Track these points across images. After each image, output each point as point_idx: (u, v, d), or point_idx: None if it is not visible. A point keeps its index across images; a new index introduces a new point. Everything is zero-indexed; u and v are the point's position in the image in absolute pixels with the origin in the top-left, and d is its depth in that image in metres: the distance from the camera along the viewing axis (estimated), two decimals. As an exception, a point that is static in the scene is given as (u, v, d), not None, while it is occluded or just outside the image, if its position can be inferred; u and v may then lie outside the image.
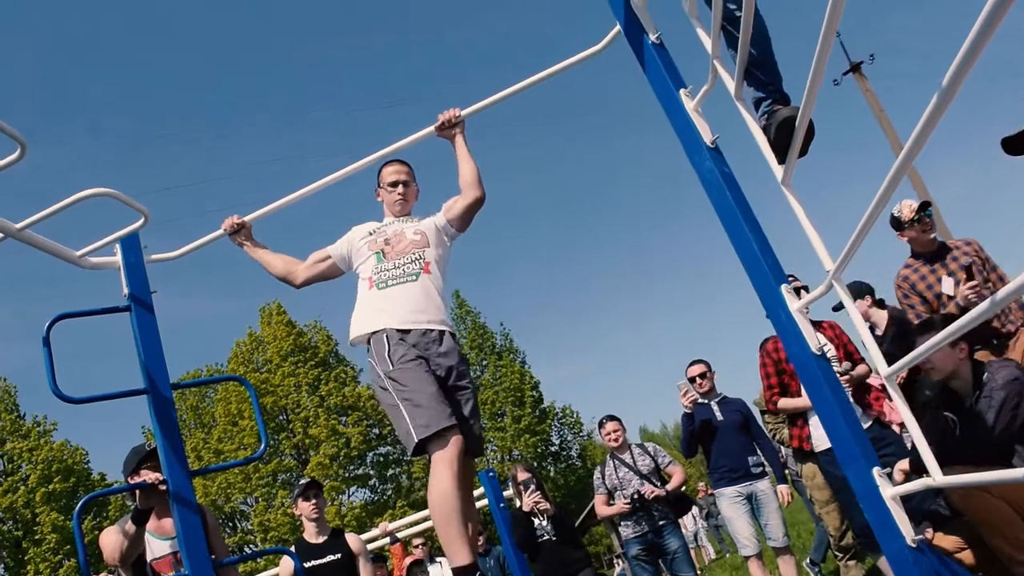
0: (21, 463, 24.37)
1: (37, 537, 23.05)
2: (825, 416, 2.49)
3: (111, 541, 3.38)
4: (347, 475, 25.91)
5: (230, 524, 27.46)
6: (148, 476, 3.15)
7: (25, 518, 23.57)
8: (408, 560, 7.18)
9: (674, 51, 2.85)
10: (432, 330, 3.16)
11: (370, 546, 7.17)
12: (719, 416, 5.72)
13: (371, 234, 3.41)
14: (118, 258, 3.26)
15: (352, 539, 4.79)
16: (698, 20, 2.59)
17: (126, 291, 3.20)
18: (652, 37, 2.88)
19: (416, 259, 3.27)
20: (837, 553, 5.45)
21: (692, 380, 5.84)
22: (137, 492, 3.11)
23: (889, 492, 2.35)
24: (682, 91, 2.79)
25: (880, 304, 5.39)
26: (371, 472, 27.49)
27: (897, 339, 5.04)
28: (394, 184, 3.50)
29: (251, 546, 25.41)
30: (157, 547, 3.53)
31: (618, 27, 3.02)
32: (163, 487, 2.96)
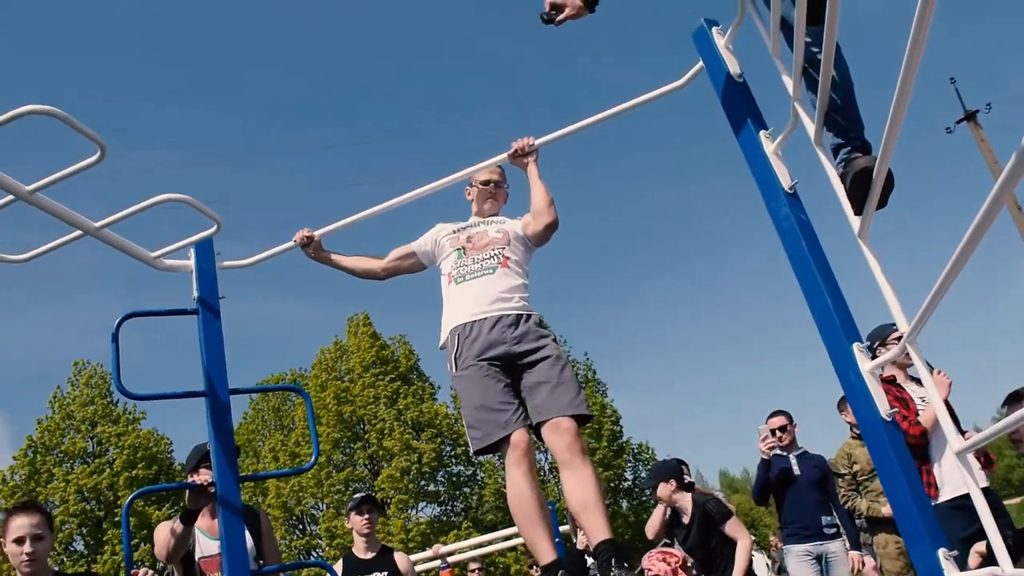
0: (109, 447, 25.43)
1: (117, 519, 23.96)
2: (890, 486, 2.33)
3: (161, 536, 3.45)
4: (417, 490, 26.04)
5: (299, 527, 27.95)
6: (199, 477, 3.20)
7: (107, 500, 24.55)
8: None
9: (755, 92, 2.76)
10: (508, 314, 3.19)
11: (421, 567, 7.15)
12: (796, 470, 5.54)
13: (455, 232, 3.50)
14: (191, 262, 3.33)
15: (400, 558, 4.77)
16: (781, 61, 2.49)
17: (196, 294, 3.27)
18: (735, 75, 2.79)
19: (495, 254, 3.34)
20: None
21: (772, 432, 5.67)
22: (187, 492, 3.16)
23: (955, 576, 2.18)
24: (762, 133, 2.69)
25: (688, 487, 5.30)
26: (441, 489, 27.57)
27: (701, 527, 5.07)
28: (486, 183, 3.58)
29: (317, 551, 25.77)
30: (207, 546, 3.59)
31: (700, 64, 2.95)
32: (212, 490, 3.00)
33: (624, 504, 30.97)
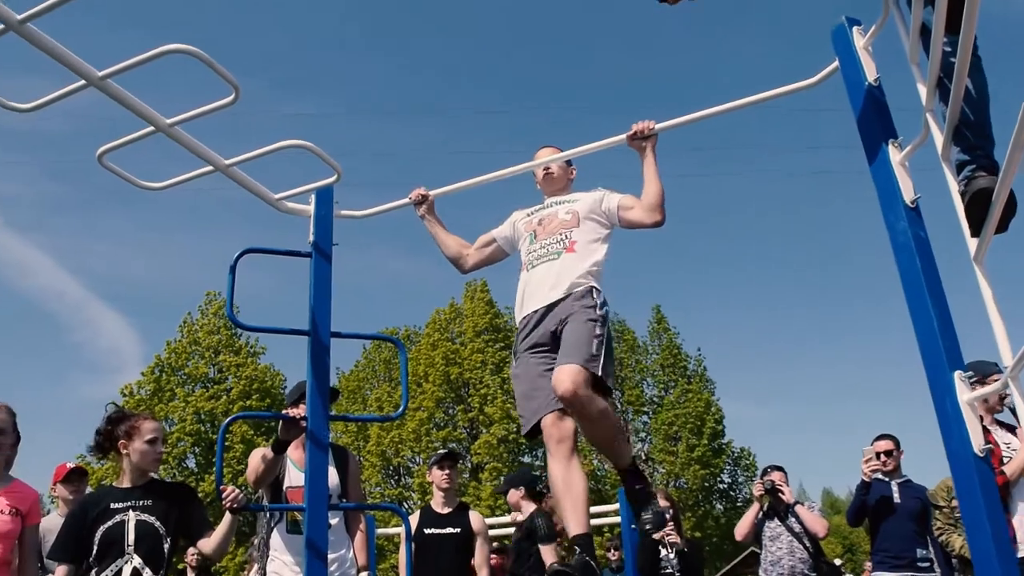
0: (228, 375, 26.95)
1: (227, 444, 25.42)
2: (972, 527, 2.22)
3: (253, 461, 3.67)
4: (512, 460, 26.39)
5: (395, 477, 28.85)
6: (294, 411, 3.37)
7: (221, 425, 26.06)
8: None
9: (890, 98, 2.64)
10: (560, 299, 3.24)
11: (497, 532, 7.27)
12: (897, 498, 5.34)
13: (528, 216, 3.56)
14: (310, 207, 3.49)
15: (475, 517, 4.88)
16: (917, 68, 2.37)
17: (312, 239, 3.42)
18: (871, 79, 2.67)
19: (562, 239, 3.34)
20: None
21: (877, 456, 5.48)
22: (280, 422, 3.34)
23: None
24: (891, 142, 2.57)
25: (536, 497, 5.29)
26: (536, 463, 27.85)
27: (524, 538, 5.03)
28: (543, 170, 3.59)
29: (408, 502, 26.57)
30: (295, 476, 3.79)
31: (836, 63, 2.84)
32: (304, 424, 3.16)
33: (718, 506, 30.44)
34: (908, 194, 2.49)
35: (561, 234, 3.36)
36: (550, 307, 3.24)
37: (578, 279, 3.25)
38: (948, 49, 2.02)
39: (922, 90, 2.32)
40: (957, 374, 2.29)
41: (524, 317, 3.33)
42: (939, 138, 2.23)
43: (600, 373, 3.00)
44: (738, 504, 30.75)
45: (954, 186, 2.17)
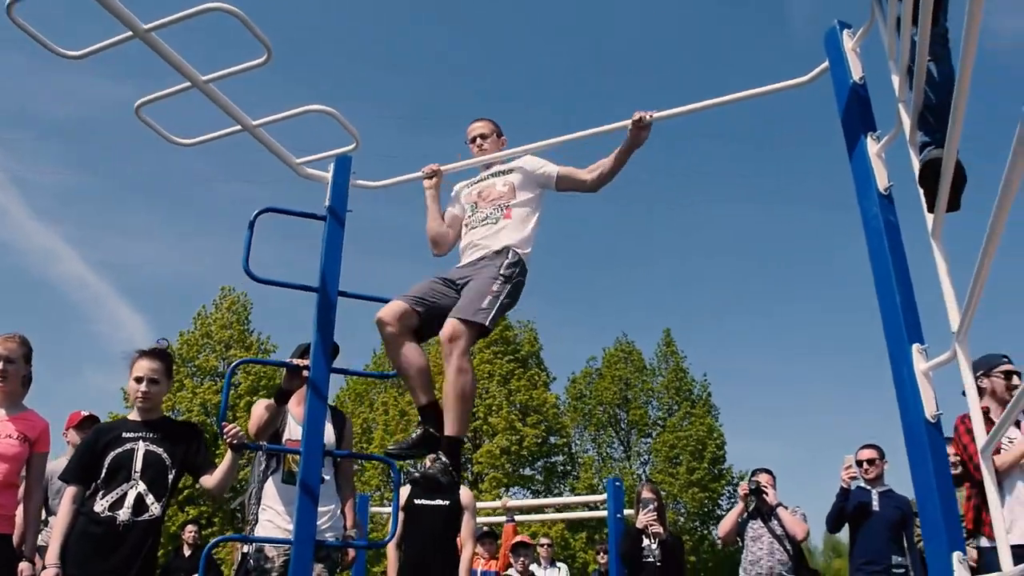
0: (238, 370, 27.18)
1: (221, 452, 25.60)
2: (920, 488, 2.39)
3: (256, 411, 3.86)
4: (512, 471, 26.47)
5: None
6: (297, 361, 3.57)
7: (227, 419, 26.23)
8: (516, 539, 7.32)
9: (878, 96, 2.83)
10: (482, 256, 3.48)
11: (485, 519, 7.42)
12: (875, 506, 5.45)
13: (469, 188, 3.82)
14: (328, 174, 3.70)
15: (464, 492, 5.05)
16: (895, 62, 2.56)
17: (328, 203, 3.63)
18: (856, 77, 2.87)
19: (499, 207, 3.61)
20: None
21: (860, 464, 5.60)
22: (284, 371, 3.53)
23: (965, 581, 2.22)
24: (870, 135, 2.76)
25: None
26: (538, 476, 27.90)
27: None
28: (472, 140, 3.88)
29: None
30: (294, 430, 3.97)
31: (826, 63, 3.04)
32: (306, 373, 3.35)
33: (715, 531, 30.33)
34: (882, 182, 2.68)
35: (498, 204, 3.61)
36: (473, 263, 3.50)
37: (511, 239, 3.49)
38: (916, 39, 2.20)
39: (895, 81, 2.51)
40: (915, 346, 2.46)
41: (456, 266, 3.60)
42: (907, 124, 2.41)
43: (488, 324, 3.24)
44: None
45: (916, 166, 2.35)
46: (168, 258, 45.45)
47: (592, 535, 25.72)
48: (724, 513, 30.43)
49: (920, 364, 2.42)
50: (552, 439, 28.60)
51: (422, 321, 3.37)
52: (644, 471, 30.19)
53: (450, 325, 3.18)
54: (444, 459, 3.12)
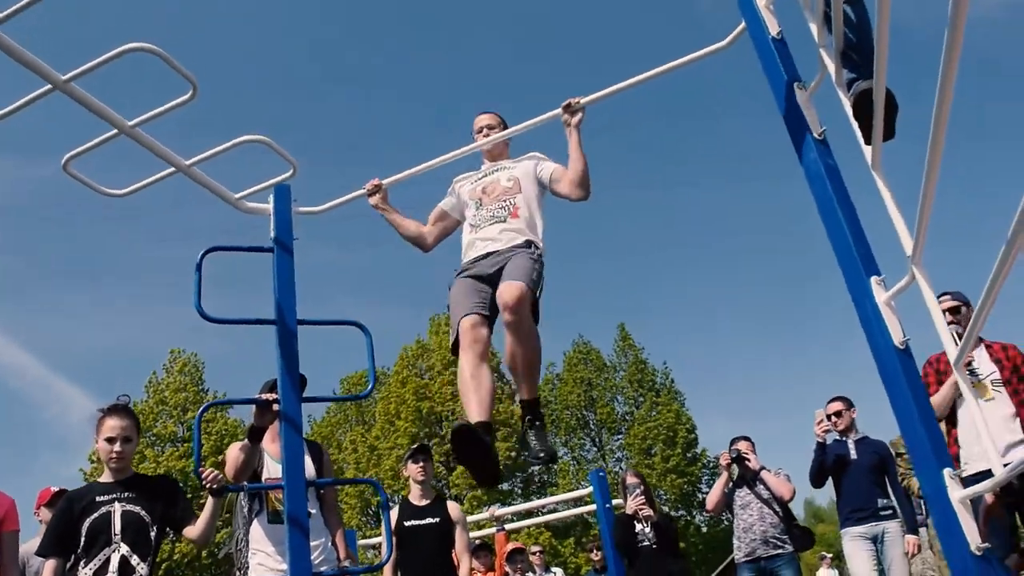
0: (205, 414, 26.58)
1: (202, 501, 24.93)
2: (900, 412, 2.44)
3: (231, 455, 3.78)
4: (488, 489, 26.32)
5: (376, 519, 28.55)
6: (265, 396, 3.49)
7: (194, 483, 25.69)
8: (510, 547, 7.29)
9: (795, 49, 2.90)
10: (502, 249, 3.48)
11: (475, 534, 7.38)
12: (853, 454, 5.57)
13: (472, 184, 3.77)
14: (270, 205, 3.65)
15: (452, 507, 5.01)
16: (809, 11, 2.64)
17: (273, 234, 3.58)
18: (773, 32, 2.94)
19: (506, 204, 3.59)
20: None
21: (829, 417, 5.71)
22: (253, 409, 3.46)
23: (957, 495, 2.27)
24: (796, 84, 2.83)
25: None
26: (516, 490, 27.83)
27: None
28: (479, 130, 3.86)
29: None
30: (273, 469, 3.89)
31: (743, 25, 3.11)
32: (276, 407, 3.29)
33: (699, 517, 30.60)
34: (815, 128, 2.74)
35: (505, 200, 3.61)
36: (492, 253, 3.50)
37: (527, 239, 3.51)
38: None
39: (814, 29, 2.58)
40: (874, 279, 2.52)
41: (468, 260, 3.57)
42: (831, 67, 2.48)
43: (538, 296, 3.31)
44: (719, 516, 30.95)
45: (847, 104, 2.42)
46: (108, 330, 44.35)
47: (579, 538, 25.73)
48: (705, 495, 30.71)
49: (881, 295, 2.48)
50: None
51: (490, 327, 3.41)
52: (620, 467, 30.33)
53: (516, 287, 3.16)
54: (540, 423, 3.31)
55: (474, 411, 3.20)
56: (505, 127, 3.87)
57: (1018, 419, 4.27)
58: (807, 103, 2.78)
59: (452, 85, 52.53)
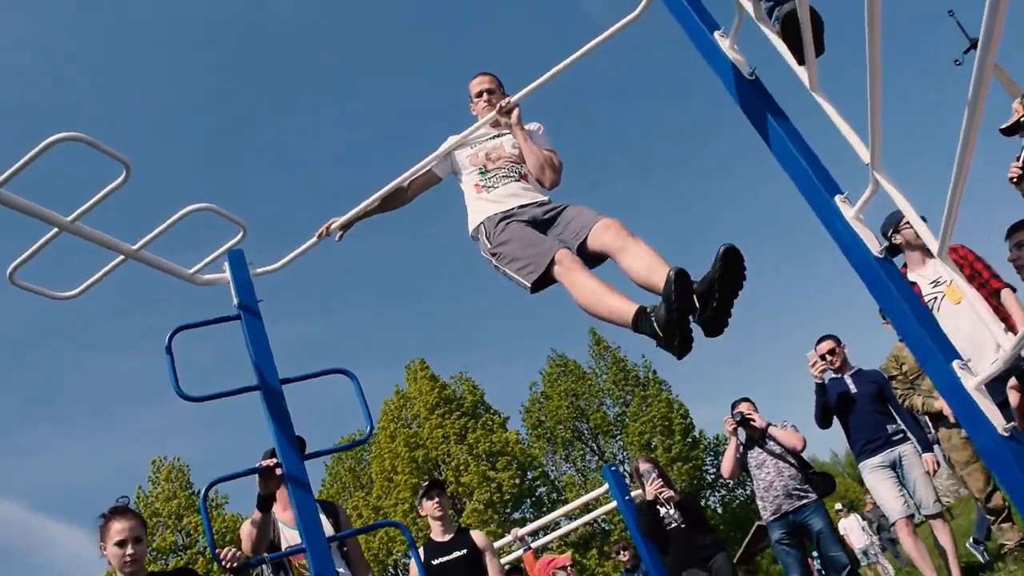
0: (198, 537, 25.93)
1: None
2: (895, 315, 2.45)
3: (244, 531, 3.66)
4: (503, 520, 26.09)
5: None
6: (266, 462, 3.39)
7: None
8: (551, 561, 7.17)
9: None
10: (531, 203, 3.36)
11: (504, 559, 7.28)
12: (853, 388, 5.61)
13: (472, 148, 3.57)
14: (227, 274, 3.58)
15: (477, 535, 4.92)
16: (714, -47, 2.67)
17: (236, 301, 3.51)
18: (681, -11, 2.97)
19: (516, 168, 3.48)
20: (989, 516, 5.14)
21: (824, 357, 5.74)
22: (258, 479, 3.36)
23: (972, 383, 2.28)
24: (716, 33, 2.86)
25: None
26: (528, 516, 27.59)
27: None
28: (479, 94, 3.68)
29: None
30: (290, 535, 3.78)
31: (650, -12, 3.14)
32: (279, 471, 3.21)
33: (712, 498, 30.64)
34: (745, 69, 2.77)
35: (512, 166, 3.49)
36: (533, 203, 3.36)
37: (545, 195, 3.45)
38: None
39: (722, -29, 2.61)
40: (837, 198, 2.53)
41: (503, 211, 3.33)
42: (748, 5, 2.51)
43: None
44: (732, 489, 31.05)
45: (772, 36, 2.45)
46: (79, 457, 43.18)
47: (601, 547, 25.58)
48: (712, 479, 30.79)
49: (848, 212, 2.50)
50: (528, 474, 28.40)
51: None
52: (625, 469, 30.27)
53: (612, 220, 3.05)
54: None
55: (629, 301, 2.79)
56: (504, 92, 3.69)
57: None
58: (731, 47, 2.81)
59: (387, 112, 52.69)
